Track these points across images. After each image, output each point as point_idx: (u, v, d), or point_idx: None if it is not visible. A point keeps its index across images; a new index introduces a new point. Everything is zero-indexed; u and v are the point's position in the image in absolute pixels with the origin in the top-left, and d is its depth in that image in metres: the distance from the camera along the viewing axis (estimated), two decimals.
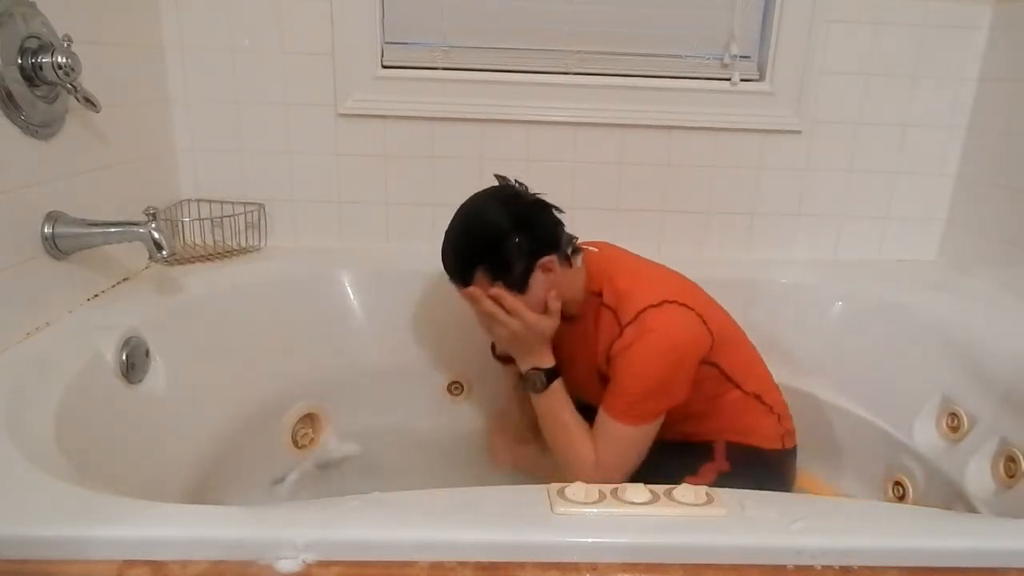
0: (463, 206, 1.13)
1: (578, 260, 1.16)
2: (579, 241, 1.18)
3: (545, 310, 1.12)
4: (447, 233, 1.13)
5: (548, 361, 1.14)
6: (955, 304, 1.41)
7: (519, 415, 1.37)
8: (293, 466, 1.40)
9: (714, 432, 1.17)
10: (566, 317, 1.16)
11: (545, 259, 1.09)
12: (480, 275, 1.09)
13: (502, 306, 1.09)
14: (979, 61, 1.54)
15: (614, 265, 1.18)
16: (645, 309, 1.07)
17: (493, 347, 1.31)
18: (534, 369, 1.13)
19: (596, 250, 1.21)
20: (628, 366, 1.07)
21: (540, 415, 1.16)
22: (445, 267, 1.14)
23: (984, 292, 1.47)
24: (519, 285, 1.09)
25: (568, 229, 1.15)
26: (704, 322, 1.10)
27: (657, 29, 1.55)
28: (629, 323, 1.07)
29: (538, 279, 1.10)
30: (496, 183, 1.15)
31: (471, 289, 1.10)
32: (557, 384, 1.13)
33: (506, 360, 1.28)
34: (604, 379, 1.14)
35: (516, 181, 1.14)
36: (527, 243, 1.08)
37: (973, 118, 1.58)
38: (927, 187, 1.64)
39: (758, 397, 1.19)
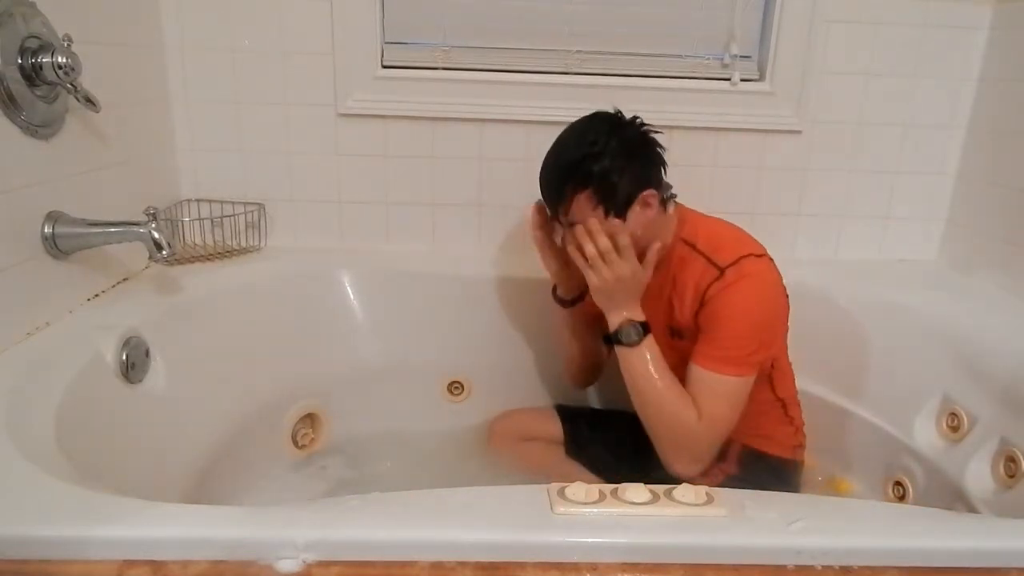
0: (577, 122, 1.11)
1: (671, 207, 1.14)
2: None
3: (642, 260, 1.07)
4: (553, 147, 1.10)
5: (640, 314, 1.09)
6: (955, 304, 1.41)
7: (577, 358, 1.33)
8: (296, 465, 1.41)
9: (734, 432, 1.14)
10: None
11: (648, 192, 1.07)
12: (584, 196, 1.05)
13: (615, 244, 1.04)
14: (979, 61, 1.54)
15: (706, 218, 1.17)
16: (747, 256, 1.06)
17: (555, 289, 1.27)
18: (629, 321, 1.08)
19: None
20: (727, 306, 1.04)
21: (631, 372, 1.08)
22: (548, 182, 1.10)
23: (984, 292, 1.47)
24: (621, 211, 1.06)
25: None
26: (786, 295, 1.10)
27: (657, 29, 1.55)
28: (729, 265, 1.05)
29: (636, 211, 1.07)
30: (612, 112, 1.12)
31: (592, 222, 1.05)
32: (651, 339, 1.08)
33: (568, 303, 1.25)
34: (676, 334, 1.12)
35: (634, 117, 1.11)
36: (636, 170, 1.06)
37: (973, 118, 1.58)
38: (927, 187, 1.64)
39: (783, 406, 1.19)
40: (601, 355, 1.35)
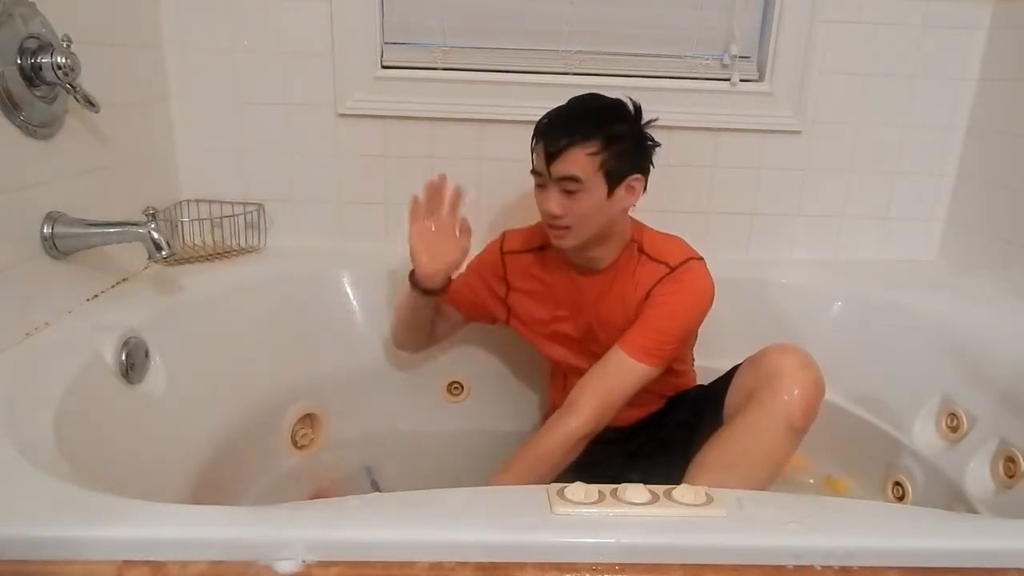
0: (590, 94, 1.13)
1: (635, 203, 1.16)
2: None
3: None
4: (570, 102, 1.11)
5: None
6: (955, 304, 1.41)
7: (410, 331, 1.36)
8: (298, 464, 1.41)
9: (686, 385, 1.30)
10: (599, 269, 1.18)
11: (637, 176, 1.11)
12: (591, 148, 1.04)
13: None
14: (979, 61, 1.54)
15: (645, 226, 1.22)
16: (692, 259, 1.14)
17: (413, 274, 1.24)
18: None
19: None
20: (669, 303, 1.11)
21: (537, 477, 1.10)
22: (562, 120, 1.08)
23: (984, 292, 1.47)
24: (614, 181, 1.08)
25: None
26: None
27: (657, 29, 1.55)
28: (679, 266, 1.13)
29: (620, 193, 1.10)
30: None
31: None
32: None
33: (430, 292, 1.24)
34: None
35: None
36: (637, 152, 1.11)
37: (973, 118, 1.58)
38: (927, 187, 1.64)
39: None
40: (434, 330, 1.37)
